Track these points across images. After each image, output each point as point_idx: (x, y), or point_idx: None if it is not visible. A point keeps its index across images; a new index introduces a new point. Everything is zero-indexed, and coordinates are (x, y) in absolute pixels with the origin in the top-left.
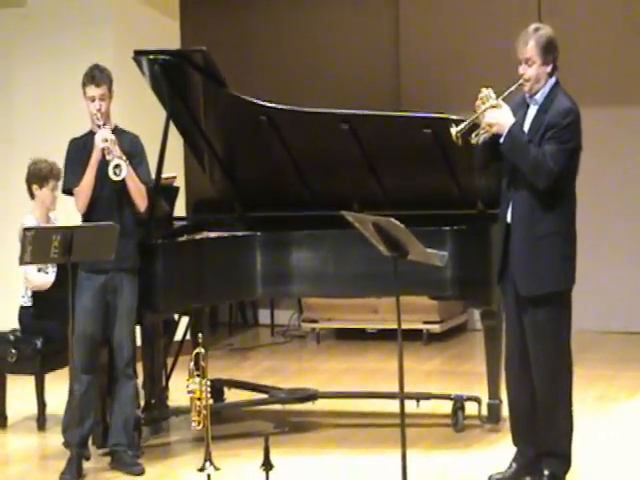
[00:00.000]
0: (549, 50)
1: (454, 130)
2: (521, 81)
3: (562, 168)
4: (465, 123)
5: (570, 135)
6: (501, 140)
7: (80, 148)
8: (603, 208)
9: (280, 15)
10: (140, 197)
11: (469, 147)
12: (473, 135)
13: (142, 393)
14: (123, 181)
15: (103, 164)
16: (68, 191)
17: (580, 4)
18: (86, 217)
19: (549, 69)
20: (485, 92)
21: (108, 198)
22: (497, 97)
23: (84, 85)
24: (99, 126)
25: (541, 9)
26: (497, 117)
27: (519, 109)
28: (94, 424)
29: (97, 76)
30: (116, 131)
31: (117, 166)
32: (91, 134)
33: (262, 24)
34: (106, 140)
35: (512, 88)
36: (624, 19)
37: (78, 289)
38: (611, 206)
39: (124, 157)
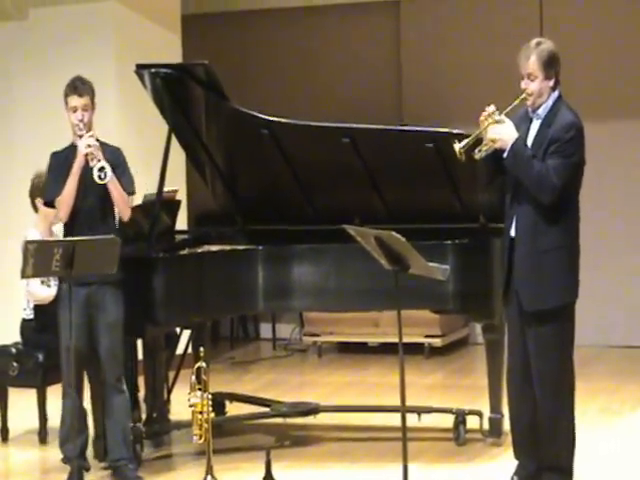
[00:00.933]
0: (551, 64)
1: (457, 146)
2: (523, 96)
3: (565, 182)
4: (468, 139)
5: (573, 149)
6: (504, 155)
7: (62, 161)
8: (605, 222)
9: (282, 29)
10: (124, 206)
11: (471, 162)
12: (476, 150)
13: (143, 406)
14: (106, 192)
15: (86, 174)
16: (50, 203)
17: (582, 18)
18: (68, 228)
19: (551, 83)
20: (490, 108)
21: (90, 210)
22: (500, 113)
23: (66, 96)
24: (81, 136)
25: (543, 23)
26: (500, 132)
27: (522, 123)
28: (95, 437)
29: (80, 87)
30: (102, 145)
31: (102, 169)
32: (72, 147)
33: (264, 38)
34: (89, 146)
35: (515, 103)
36: (626, 33)
37: (62, 304)
38: (613, 220)
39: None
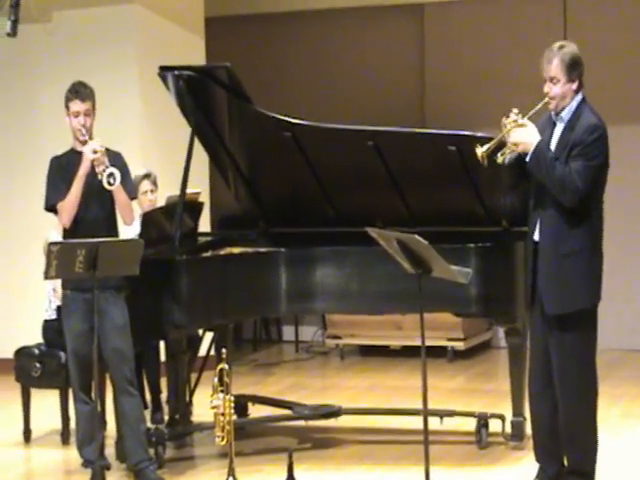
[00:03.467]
0: (574, 67)
1: (480, 150)
2: (546, 100)
3: (588, 185)
4: (491, 143)
5: (597, 152)
6: (527, 159)
7: (62, 166)
8: (630, 226)
9: (305, 32)
10: (128, 210)
11: (494, 164)
12: (499, 154)
13: (166, 408)
14: (109, 201)
15: (89, 182)
16: (51, 208)
17: (606, 21)
18: (69, 237)
19: (574, 86)
20: (513, 112)
21: (94, 220)
22: (523, 116)
23: (68, 100)
24: (84, 142)
25: (567, 27)
26: (523, 136)
27: (546, 128)
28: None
29: (82, 91)
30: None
31: (111, 175)
32: (72, 152)
33: (286, 41)
34: (96, 151)
35: (538, 107)
36: None
37: (65, 311)
38: (636, 224)
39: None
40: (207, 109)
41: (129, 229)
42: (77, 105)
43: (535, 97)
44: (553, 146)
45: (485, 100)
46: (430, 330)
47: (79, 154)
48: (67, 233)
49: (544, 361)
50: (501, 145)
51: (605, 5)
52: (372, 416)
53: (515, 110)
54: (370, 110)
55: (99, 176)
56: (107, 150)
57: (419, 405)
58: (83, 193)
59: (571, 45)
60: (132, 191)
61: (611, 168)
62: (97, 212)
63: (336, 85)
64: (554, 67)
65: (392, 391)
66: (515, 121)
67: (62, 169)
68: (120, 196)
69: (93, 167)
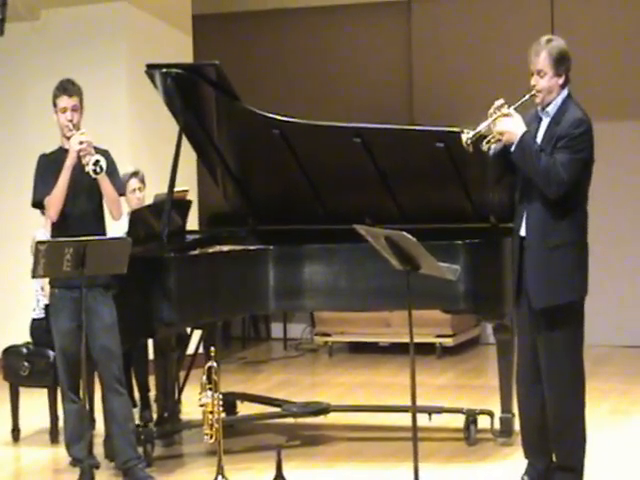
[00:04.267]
0: (561, 62)
1: (465, 136)
2: (533, 92)
3: (572, 177)
4: (476, 130)
5: (581, 145)
6: (512, 149)
7: (51, 163)
8: (616, 221)
9: (292, 29)
10: (116, 205)
11: (482, 161)
12: (484, 142)
13: (154, 406)
14: (97, 197)
15: (76, 177)
16: (39, 203)
17: (593, 18)
18: (57, 232)
19: (561, 81)
20: (500, 101)
21: (81, 216)
22: (509, 107)
23: (55, 97)
24: (68, 138)
25: (554, 24)
26: (508, 125)
27: (532, 122)
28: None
29: (69, 87)
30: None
31: (97, 162)
32: (61, 150)
33: (274, 38)
34: (81, 142)
35: (524, 98)
36: (637, 34)
37: (53, 309)
38: (624, 219)
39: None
40: (195, 107)
41: (117, 225)
42: (64, 101)
43: (522, 93)
44: (539, 140)
45: (472, 97)
46: (419, 327)
47: (67, 152)
48: (55, 229)
49: (532, 357)
50: (487, 133)
51: (592, 3)
52: (361, 413)
53: (501, 100)
54: (358, 107)
55: (86, 167)
56: (95, 147)
57: (408, 402)
58: (71, 188)
59: (559, 40)
60: (120, 188)
61: (600, 164)
62: (85, 207)
63: (324, 82)
64: (541, 60)
65: (381, 388)
66: (499, 109)
67: (50, 166)
68: (107, 187)
69: (80, 159)
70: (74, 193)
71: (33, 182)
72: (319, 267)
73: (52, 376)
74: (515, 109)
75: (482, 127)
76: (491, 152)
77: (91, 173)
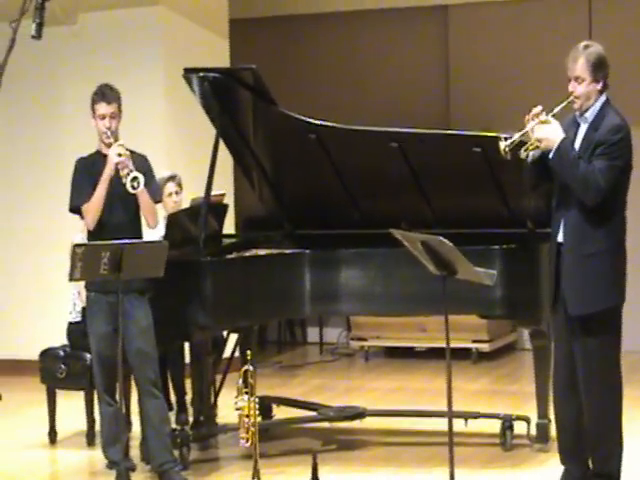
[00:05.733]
0: (599, 67)
1: (503, 144)
2: (571, 98)
3: (611, 185)
4: (514, 137)
5: (620, 152)
6: (550, 155)
7: (88, 167)
8: None
9: (329, 34)
10: (152, 213)
11: (518, 165)
12: (522, 150)
13: (191, 410)
14: (134, 206)
15: (113, 186)
16: (76, 209)
17: (631, 23)
18: (94, 239)
19: (599, 87)
20: (538, 108)
21: (118, 224)
22: (547, 114)
23: (94, 102)
24: (109, 144)
25: (591, 28)
26: (546, 132)
27: (570, 128)
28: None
29: (108, 94)
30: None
31: (134, 179)
32: (98, 154)
33: (311, 43)
34: (120, 155)
35: (562, 105)
36: None
37: (89, 313)
38: None
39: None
40: (232, 111)
41: (153, 231)
42: (103, 108)
43: (559, 98)
44: (577, 146)
45: (509, 101)
46: (455, 332)
47: (104, 156)
48: (92, 236)
49: (568, 363)
50: (525, 140)
51: (630, 9)
52: (397, 418)
53: (539, 107)
54: (395, 112)
55: (123, 180)
56: (132, 153)
57: (444, 407)
58: (108, 196)
59: (597, 45)
60: (156, 194)
61: (635, 169)
62: (122, 216)
63: (361, 87)
64: (579, 66)
65: (417, 393)
66: (537, 116)
67: (87, 171)
68: (144, 199)
69: (117, 170)
70: (111, 202)
71: (71, 187)
72: (355, 271)
73: (88, 379)
74: (553, 116)
75: (520, 134)
76: (529, 159)
77: (129, 189)
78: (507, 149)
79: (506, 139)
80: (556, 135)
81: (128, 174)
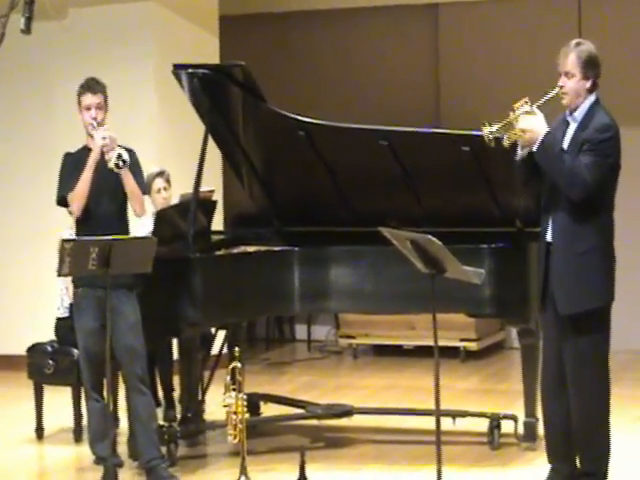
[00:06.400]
0: (589, 65)
1: (486, 130)
2: (557, 90)
3: (597, 181)
4: (498, 125)
5: (607, 151)
6: (535, 147)
7: (75, 161)
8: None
9: (319, 31)
10: (138, 201)
11: (508, 164)
12: (505, 137)
13: (178, 406)
14: (121, 196)
15: (100, 176)
16: (62, 199)
17: (621, 22)
18: (81, 232)
19: (588, 84)
20: (524, 100)
21: (105, 215)
22: (532, 105)
23: (80, 95)
24: (92, 136)
25: (581, 27)
26: (530, 124)
27: (560, 127)
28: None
29: (93, 85)
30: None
31: (119, 156)
32: (86, 149)
33: (301, 40)
34: (105, 138)
35: (548, 96)
36: None
37: (77, 309)
38: None
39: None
40: (221, 107)
41: (142, 225)
42: (88, 98)
43: (546, 92)
44: (566, 145)
45: (499, 101)
46: (443, 330)
47: (91, 151)
48: (79, 228)
49: (557, 362)
50: (509, 129)
51: (620, 8)
52: (385, 416)
53: (525, 99)
54: (385, 110)
55: (109, 163)
56: (120, 146)
57: (432, 405)
58: (95, 187)
59: (589, 44)
60: (143, 186)
61: (624, 170)
62: (109, 207)
63: (350, 84)
64: (570, 62)
65: (405, 391)
66: (523, 106)
67: (74, 165)
68: (129, 182)
69: (103, 155)
70: (98, 192)
71: (58, 180)
72: (344, 269)
73: (76, 374)
74: (539, 107)
75: (504, 122)
76: (518, 157)
77: (113, 168)
78: (491, 136)
79: (490, 125)
80: (540, 127)
81: (113, 154)
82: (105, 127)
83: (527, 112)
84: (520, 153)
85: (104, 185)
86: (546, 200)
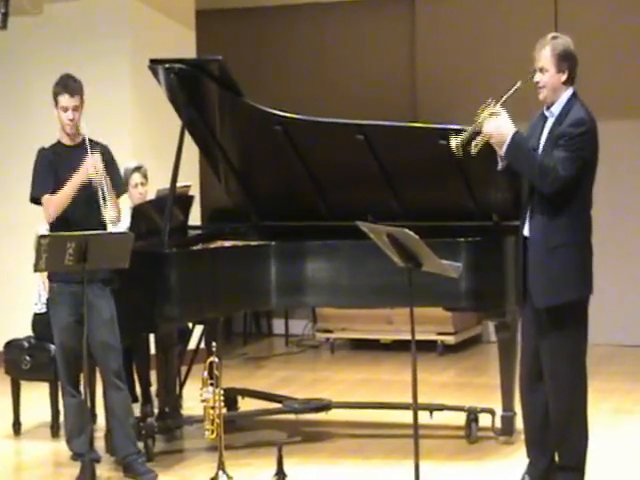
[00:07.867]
0: (564, 59)
1: (454, 142)
2: (519, 84)
3: (570, 175)
4: (464, 134)
5: (581, 145)
6: (504, 150)
7: (50, 158)
8: (621, 221)
9: (296, 25)
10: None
11: (485, 159)
12: (472, 145)
13: (156, 401)
14: (94, 198)
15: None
16: (36, 199)
17: (597, 16)
18: (56, 228)
19: (564, 78)
20: (487, 101)
21: (81, 216)
22: (496, 102)
23: (57, 94)
24: (71, 134)
25: (558, 21)
26: (495, 127)
27: (538, 123)
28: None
29: (71, 85)
30: (90, 143)
31: (104, 199)
32: (59, 144)
33: (278, 34)
34: (95, 168)
35: (509, 93)
36: None
37: (52, 304)
38: (629, 219)
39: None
40: (198, 102)
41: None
42: (66, 100)
43: (526, 91)
44: (543, 140)
45: (476, 94)
46: (420, 324)
47: (65, 146)
48: (54, 229)
49: (535, 356)
50: (476, 135)
51: (596, 2)
52: (362, 410)
53: (489, 100)
54: (362, 104)
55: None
56: (96, 143)
57: (409, 399)
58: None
59: (565, 37)
60: (121, 185)
61: (603, 163)
62: (85, 211)
63: (327, 79)
64: (543, 57)
65: (382, 385)
66: (485, 109)
67: (49, 161)
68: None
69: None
70: (75, 198)
71: (32, 177)
72: (321, 263)
73: (53, 370)
74: (504, 102)
75: (469, 131)
76: (499, 168)
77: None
78: (459, 146)
79: (457, 133)
80: (506, 129)
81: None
82: (97, 157)
83: (492, 113)
84: (501, 164)
85: (82, 191)
86: (525, 195)
